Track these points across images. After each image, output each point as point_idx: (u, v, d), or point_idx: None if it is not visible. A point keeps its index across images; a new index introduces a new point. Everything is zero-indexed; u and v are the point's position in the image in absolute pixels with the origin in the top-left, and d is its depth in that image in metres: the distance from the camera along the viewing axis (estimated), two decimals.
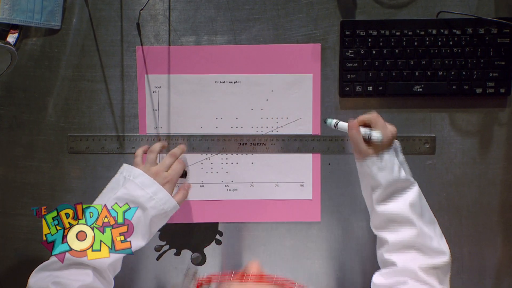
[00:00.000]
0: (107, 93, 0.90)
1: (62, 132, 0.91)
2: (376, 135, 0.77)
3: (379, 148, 0.78)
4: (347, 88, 0.89)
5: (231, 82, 0.90)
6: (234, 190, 0.92)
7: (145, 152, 0.89)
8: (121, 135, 0.91)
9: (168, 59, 0.90)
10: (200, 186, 0.92)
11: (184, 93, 0.90)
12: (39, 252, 0.92)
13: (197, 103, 0.90)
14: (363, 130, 0.79)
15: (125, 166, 0.84)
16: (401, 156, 0.81)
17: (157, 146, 0.88)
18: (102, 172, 0.92)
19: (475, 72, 0.87)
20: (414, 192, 0.78)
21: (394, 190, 0.78)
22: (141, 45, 0.90)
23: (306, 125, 0.90)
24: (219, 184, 0.92)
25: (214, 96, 0.90)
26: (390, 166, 0.78)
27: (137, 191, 0.79)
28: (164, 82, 0.90)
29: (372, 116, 0.80)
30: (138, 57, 0.89)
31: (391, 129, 0.80)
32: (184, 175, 0.90)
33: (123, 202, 0.74)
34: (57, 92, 0.90)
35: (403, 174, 0.78)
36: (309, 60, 0.89)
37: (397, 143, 0.81)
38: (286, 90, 0.90)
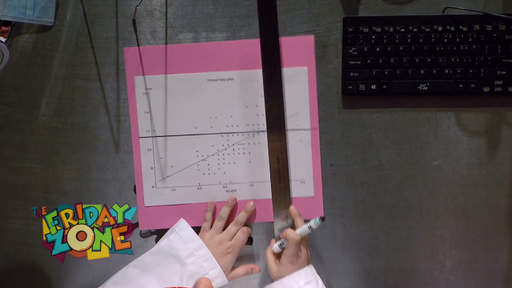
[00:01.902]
0: (101, 91, 0.89)
1: (55, 132, 0.90)
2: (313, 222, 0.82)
3: (303, 266, 0.82)
4: (350, 87, 0.88)
5: (224, 79, 0.89)
6: (233, 190, 0.91)
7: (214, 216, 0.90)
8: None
9: (158, 60, 0.88)
10: (198, 188, 0.91)
11: (176, 93, 0.89)
12: (31, 256, 0.91)
13: (189, 103, 0.89)
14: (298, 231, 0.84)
15: (180, 221, 0.89)
16: (320, 282, 0.83)
17: (225, 212, 0.89)
18: (97, 173, 0.90)
19: (482, 70, 0.86)
20: None
21: None
22: (137, 42, 0.89)
23: (303, 119, 0.89)
24: (217, 185, 0.91)
25: (207, 95, 0.89)
26: (315, 280, 0.81)
27: (179, 244, 0.82)
28: (155, 83, 0.89)
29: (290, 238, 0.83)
30: (127, 59, 0.89)
31: (305, 253, 0.84)
32: (250, 242, 0.90)
33: (162, 254, 0.79)
34: (50, 91, 0.89)
35: None
36: (303, 52, 0.88)
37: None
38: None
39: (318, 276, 0.83)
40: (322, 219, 0.81)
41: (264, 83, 0.84)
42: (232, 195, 0.90)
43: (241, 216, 0.89)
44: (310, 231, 0.83)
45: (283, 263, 0.83)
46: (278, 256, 0.85)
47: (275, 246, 0.85)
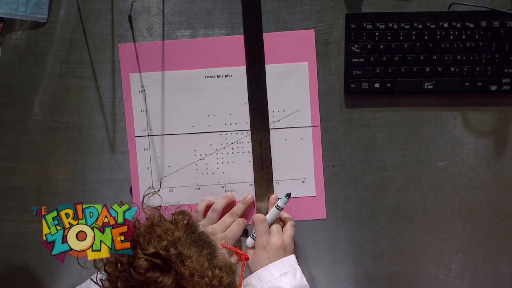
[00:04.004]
0: (96, 90, 0.89)
1: (49, 132, 0.90)
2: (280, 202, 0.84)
3: (279, 255, 0.81)
4: (353, 85, 0.87)
5: (222, 76, 0.88)
6: (232, 191, 0.90)
7: (208, 207, 0.88)
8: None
9: (154, 56, 0.88)
10: (196, 188, 0.90)
11: (172, 91, 0.89)
12: (25, 260, 0.91)
13: (187, 100, 0.89)
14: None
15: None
16: (299, 273, 0.81)
17: (220, 203, 0.87)
18: (91, 174, 0.90)
19: (489, 68, 0.85)
20: None
21: None
22: (133, 39, 0.88)
23: (304, 117, 0.89)
24: (216, 186, 0.90)
25: (204, 92, 0.89)
26: (292, 271, 0.80)
27: None
28: (151, 80, 0.89)
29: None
30: (122, 55, 0.88)
31: (278, 239, 0.83)
32: (245, 234, 0.89)
33: None
34: (44, 89, 0.89)
35: (305, 282, 0.80)
36: (303, 48, 0.88)
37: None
38: (281, 81, 0.88)
39: (297, 267, 0.82)
40: (288, 195, 0.83)
41: (246, 65, 0.86)
42: (232, 194, 0.89)
43: (237, 208, 0.87)
44: (279, 211, 0.84)
45: (256, 250, 0.83)
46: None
47: (249, 240, 0.85)
